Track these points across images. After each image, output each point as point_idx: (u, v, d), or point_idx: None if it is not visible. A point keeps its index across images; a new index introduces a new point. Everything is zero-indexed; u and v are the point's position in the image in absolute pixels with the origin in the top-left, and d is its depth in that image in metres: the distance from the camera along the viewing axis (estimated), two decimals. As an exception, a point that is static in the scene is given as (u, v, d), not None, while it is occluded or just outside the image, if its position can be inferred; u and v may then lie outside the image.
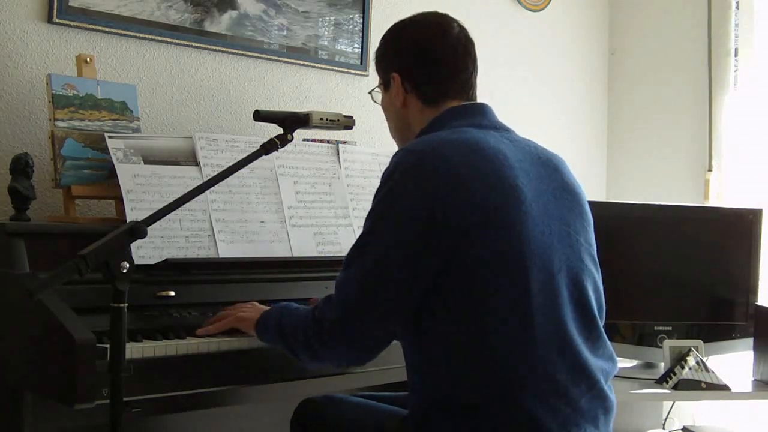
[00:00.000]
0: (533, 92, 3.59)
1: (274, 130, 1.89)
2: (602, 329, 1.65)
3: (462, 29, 1.78)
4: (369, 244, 1.57)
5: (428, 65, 1.73)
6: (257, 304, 1.87)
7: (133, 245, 1.56)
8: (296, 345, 1.65)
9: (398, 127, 1.82)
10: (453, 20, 1.78)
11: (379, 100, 1.86)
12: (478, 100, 1.78)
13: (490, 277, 1.51)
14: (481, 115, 1.72)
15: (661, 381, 2.60)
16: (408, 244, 1.52)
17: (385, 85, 1.81)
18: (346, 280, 1.58)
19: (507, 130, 1.72)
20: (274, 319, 1.72)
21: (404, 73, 1.75)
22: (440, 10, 1.83)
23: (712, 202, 3.46)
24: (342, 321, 1.56)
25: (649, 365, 2.83)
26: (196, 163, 2.11)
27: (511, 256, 1.52)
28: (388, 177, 1.59)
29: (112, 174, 2.02)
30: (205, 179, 1.81)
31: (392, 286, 1.53)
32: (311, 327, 1.60)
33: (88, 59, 2.16)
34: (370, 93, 1.92)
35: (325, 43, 2.87)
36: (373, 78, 2.93)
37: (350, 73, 2.94)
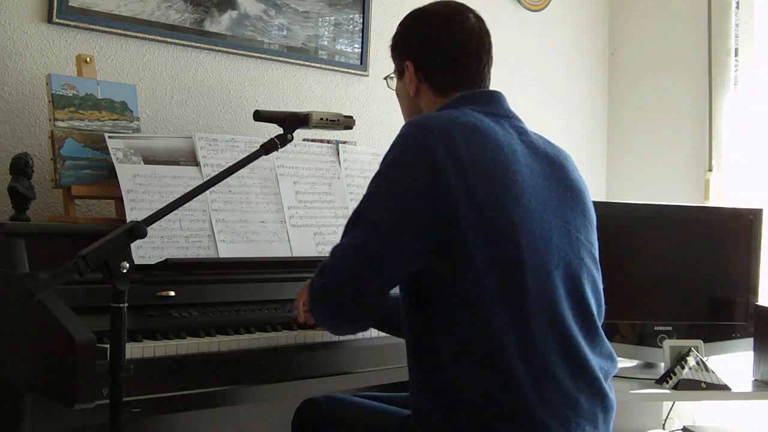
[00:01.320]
0: (533, 92, 3.59)
1: (274, 130, 1.89)
2: (600, 328, 1.65)
3: (478, 20, 1.77)
4: (371, 209, 1.56)
5: (441, 56, 1.73)
6: None
7: (133, 245, 1.56)
8: (314, 314, 1.65)
9: (411, 114, 1.82)
10: (469, 10, 1.77)
11: (394, 87, 1.86)
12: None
13: (485, 271, 1.51)
14: (494, 102, 1.71)
15: (661, 381, 2.60)
16: (409, 213, 1.50)
17: (399, 72, 1.81)
18: (342, 245, 1.56)
19: (518, 119, 1.72)
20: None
21: (417, 62, 1.75)
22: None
23: (712, 202, 3.46)
24: (332, 285, 1.54)
25: (649, 365, 2.83)
26: (196, 163, 2.11)
27: (506, 250, 1.52)
28: (395, 145, 1.58)
29: (112, 174, 2.02)
30: (205, 179, 1.81)
31: (391, 250, 1.51)
32: (311, 295, 1.59)
33: (88, 59, 2.16)
34: (385, 79, 1.91)
35: (325, 43, 2.87)
36: (373, 78, 2.95)
37: (350, 73, 2.94)
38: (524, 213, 1.55)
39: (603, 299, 1.70)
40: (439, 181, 1.50)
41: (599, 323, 1.66)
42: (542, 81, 3.65)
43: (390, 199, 1.54)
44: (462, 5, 1.79)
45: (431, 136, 1.54)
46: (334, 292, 1.55)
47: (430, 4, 1.80)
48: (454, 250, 1.51)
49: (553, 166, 1.67)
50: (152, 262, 1.91)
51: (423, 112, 1.76)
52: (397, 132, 1.88)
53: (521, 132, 1.67)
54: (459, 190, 1.50)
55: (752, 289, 2.84)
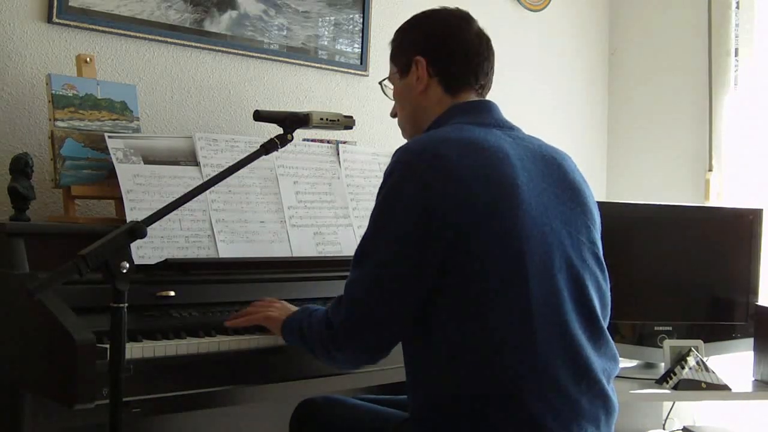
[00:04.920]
0: (533, 92, 3.59)
1: (274, 130, 1.89)
2: (605, 328, 1.65)
3: (481, 28, 1.81)
4: (372, 244, 1.58)
5: (456, 50, 1.75)
6: (286, 303, 1.89)
7: (133, 245, 1.56)
8: (315, 348, 1.67)
9: (412, 115, 1.81)
10: (472, 17, 1.81)
11: (390, 93, 1.86)
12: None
13: (488, 275, 1.51)
14: (486, 112, 1.72)
15: (661, 381, 2.60)
16: (409, 242, 1.53)
17: (402, 71, 1.80)
18: (353, 281, 1.59)
19: (511, 128, 1.72)
20: (297, 321, 1.73)
21: (430, 56, 1.75)
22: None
23: (712, 202, 3.46)
24: (351, 323, 1.57)
25: (649, 365, 2.83)
26: (196, 163, 2.11)
27: (508, 254, 1.52)
28: (388, 176, 1.60)
29: (112, 174, 2.01)
30: (205, 179, 1.81)
31: (397, 284, 1.54)
32: (325, 331, 1.61)
33: (88, 59, 2.16)
34: (380, 84, 1.91)
35: (325, 43, 2.87)
36: (373, 78, 2.95)
37: (350, 73, 2.94)
38: (525, 217, 1.55)
39: (609, 299, 1.70)
40: (436, 202, 1.52)
41: (604, 324, 1.66)
42: (542, 81, 3.65)
43: (391, 230, 1.56)
44: (466, 12, 1.82)
45: (423, 158, 1.56)
46: (353, 328, 1.57)
47: (438, 8, 1.82)
48: (457, 260, 1.52)
49: (551, 168, 1.66)
50: (152, 262, 1.91)
51: (426, 112, 1.76)
52: (397, 132, 1.88)
53: (514, 137, 1.67)
54: (456, 205, 1.51)
55: (752, 289, 2.85)
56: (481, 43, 1.77)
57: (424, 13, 1.83)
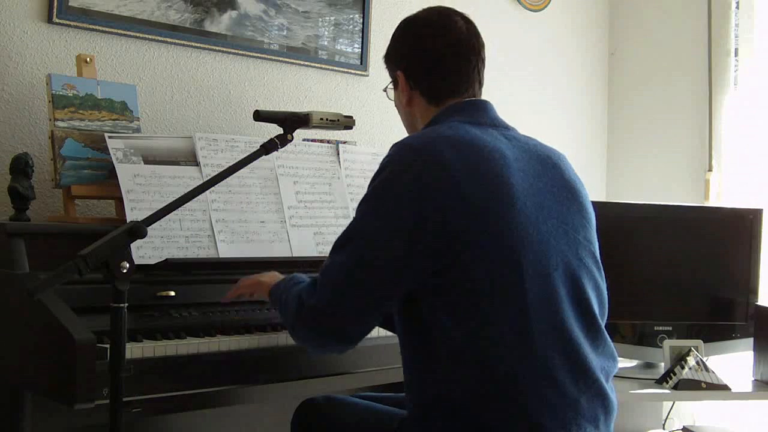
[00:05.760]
0: (533, 92, 3.59)
1: (274, 130, 1.89)
2: (603, 327, 1.65)
3: (467, 23, 1.76)
4: (359, 233, 1.57)
5: (428, 63, 1.73)
6: (277, 273, 1.88)
7: (133, 245, 1.56)
8: (287, 321, 1.67)
9: (407, 124, 1.84)
10: (457, 14, 1.77)
11: (393, 97, 1.86)
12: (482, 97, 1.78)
13: (484, 275, 1.51)
14: (481, 111, 1.72)
15: (661, 381, 2.60)
16: (399, 237, 1.52)
17: (394, 83, 1.82)
18: (332, 266, 1.58)
19: (507, 127, 1.72)
20: (281, 289, 1.73)
21: (407, 71, 1.76)
22: (441, 10, 1.82)
23: (712, 202, 3.46)
24: (323, 307, 1.56)
25: (649, 365, 2.83)
26: (196, 163, 2.11)
27: (503, 254, 1.52)
28: (382, 169, 1.60)
29: (112, 174, 2.02)
30: (205, 179, 1.81)
31: (378, 277, 1.53)
32: (296, 308, 1.61)
33: (88, 59, 2.17)
34: (384, 90, 1.92)
35: (325, 43, 2.87)
36: (373, 78, 2.95)
37: (350, 73, 2.94)
38: (519, 216, 1.55)
39: (606, 298, 1.70)
40: (428, 199, 1.51)
41: (602, 322, 1.66)
42: (542, 81, 3.65)
43: (380, 219, 1.55)
44: (450, 10, 1.79)
45: (421, 155, 1.55)
46: (324, 311, 1.56)
47: (418, 12, 1.80)
48: (450, 259, 1.51)
49: (546, 167, 1.66)
50: (152, 262, 1.91)
51: (417, 121, 1.78)
52: (397, 132, 1.89)
53: (510, 137, 1.67)
54: (451, 203, 1.51)
55: (752, 289, 2.84)
56: (458, 48, 1.72)
57: (402, 22, 1.81)
